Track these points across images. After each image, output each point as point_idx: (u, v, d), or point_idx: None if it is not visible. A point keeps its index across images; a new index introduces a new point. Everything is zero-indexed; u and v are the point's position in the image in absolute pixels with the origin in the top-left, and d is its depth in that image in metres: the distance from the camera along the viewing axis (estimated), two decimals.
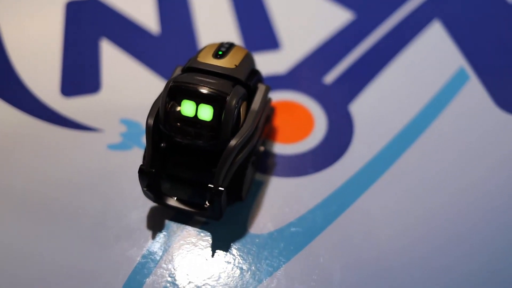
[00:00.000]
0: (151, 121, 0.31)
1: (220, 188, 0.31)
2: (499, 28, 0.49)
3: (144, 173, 0.32)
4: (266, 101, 0.34)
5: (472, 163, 0.38)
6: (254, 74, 0.34)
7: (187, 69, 0.33)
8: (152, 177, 0.32)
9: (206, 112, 0.30)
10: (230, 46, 0.34)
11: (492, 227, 0.34)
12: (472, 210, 0.35)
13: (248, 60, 0.34)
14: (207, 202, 0.31)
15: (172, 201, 0.33)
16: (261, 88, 0.34)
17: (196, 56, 0.34)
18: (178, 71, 0.34)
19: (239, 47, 0.35)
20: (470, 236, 0.34)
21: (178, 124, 0.31)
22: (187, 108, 0.31)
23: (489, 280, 0.32)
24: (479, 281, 0.32)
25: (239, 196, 0.34)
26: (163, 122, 0.31)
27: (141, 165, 0.32)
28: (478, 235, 0.34)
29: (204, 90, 0.30)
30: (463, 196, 0.36)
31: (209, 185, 0.31)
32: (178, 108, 0.31)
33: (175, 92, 0.31)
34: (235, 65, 0.33)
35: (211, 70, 0.32)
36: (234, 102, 0.30)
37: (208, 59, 0.33)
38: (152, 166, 0.32)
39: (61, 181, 0.36)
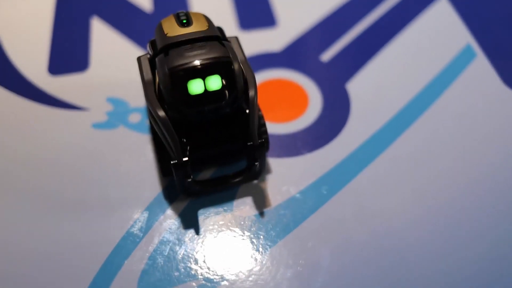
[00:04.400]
0: (163, 113, 0.29)
1: (260, 141, 0.30)
2: (507, 4, 0.46)
3: (180, 166, 0.29)
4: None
5: (477, 143, 0.36)
6: (220, 30, 0.33)
7: (164, 48, 0.30)
8: (188, 168, 0.30)
9: (215, 82, 0.29)
10: (186, 13, 0.32)
11: (495, 211, 0.32)
12: (474, 192, 0.33)
13: (210, 19, 0.33)
14: (251, 161, 0.31)
15: (220, 182, 0.32)
16: (233, 39, 0.33)
17: (163, 33, 0.31)
18: (144, 61, 0.32)
19: (193, 12, 0.33)
20: (469, 221, 0.32)
21: (192, 104, 0.29)
22: (195, 86, 0.29)
23: (487, 265, 0.30)
24: (476, 266, 0.30)
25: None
26: (174, 109, 0.30)
27: (172, 161, 0.29)
28: (479, 220, 0.32)
29: (206, 63, 0.29)
30: (465, 178, 0.34)
31: (248, 143, 0.30)
32: (185, 90, 0.29)
33: (177, 78, 0.29)
34: (207, 26, 0.31)
35: (192, 38, 0.30)
36: (237, 64, 0.30)
37: (179, 31, 0.31)
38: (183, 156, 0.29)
39: (43, 160, 0.35)
